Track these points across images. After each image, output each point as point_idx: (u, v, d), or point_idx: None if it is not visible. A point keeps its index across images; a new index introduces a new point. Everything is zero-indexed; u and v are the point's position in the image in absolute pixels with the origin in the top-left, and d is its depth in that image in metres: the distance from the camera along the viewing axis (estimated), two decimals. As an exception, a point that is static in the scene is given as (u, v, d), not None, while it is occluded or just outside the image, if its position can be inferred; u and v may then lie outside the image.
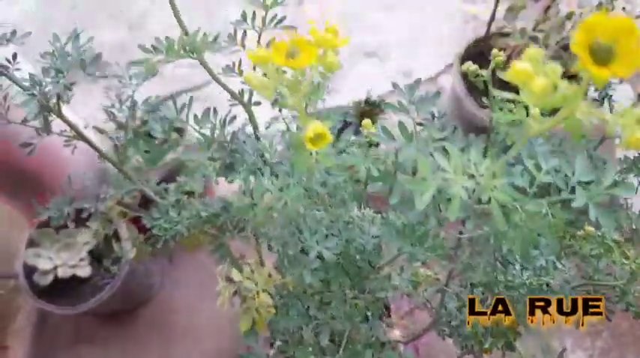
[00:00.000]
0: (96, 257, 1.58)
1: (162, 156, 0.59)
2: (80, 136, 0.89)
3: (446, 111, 2.10)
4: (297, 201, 0.50)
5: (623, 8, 1.66)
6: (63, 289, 1.54)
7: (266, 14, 0.62)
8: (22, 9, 2.53)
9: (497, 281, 0.63)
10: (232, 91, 0.71)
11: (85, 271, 1.53)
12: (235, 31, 0.63)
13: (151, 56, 0.61)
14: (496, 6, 1.77)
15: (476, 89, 1.88)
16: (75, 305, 1.51)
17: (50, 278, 1.50)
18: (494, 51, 0.74)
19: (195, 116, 0.72)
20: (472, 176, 0.40)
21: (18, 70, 0.75)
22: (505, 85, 0.40)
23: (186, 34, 0.63)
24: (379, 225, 0.58)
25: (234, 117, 0.74)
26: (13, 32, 0.74)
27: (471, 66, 0.74)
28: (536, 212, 0.42)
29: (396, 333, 0.96)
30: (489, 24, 1.84)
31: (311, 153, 0.48)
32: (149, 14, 2.54)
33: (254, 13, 0.62)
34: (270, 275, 0.74)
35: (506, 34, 1.82)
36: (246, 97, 0.73)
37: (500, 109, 0.60)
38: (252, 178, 0.53)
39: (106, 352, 1.83)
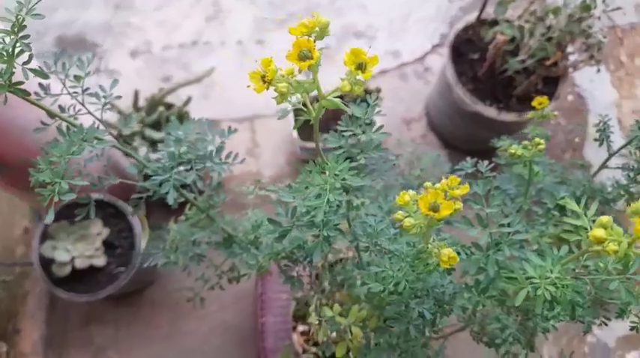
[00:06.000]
0: (108, 246, 1.65)
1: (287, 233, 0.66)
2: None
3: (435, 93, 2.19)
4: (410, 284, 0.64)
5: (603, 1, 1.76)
6: (80, 277, 1.60)
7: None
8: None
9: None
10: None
11: (100, 261, 1.59)
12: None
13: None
14: (487, -3, 1.84)
15: (464, 74, 1.97)
16: (93, 293, 1.58)
17: (68, 269, 1.56)
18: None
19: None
20: (549, 278, 0.57)
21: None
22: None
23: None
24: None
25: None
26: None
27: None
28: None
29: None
30: (480, 12, 1.92)
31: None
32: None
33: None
34: (359, 312, 0.84)
35: (495, 22, 1.90)
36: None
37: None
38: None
39: (116, 332, 1.92)
